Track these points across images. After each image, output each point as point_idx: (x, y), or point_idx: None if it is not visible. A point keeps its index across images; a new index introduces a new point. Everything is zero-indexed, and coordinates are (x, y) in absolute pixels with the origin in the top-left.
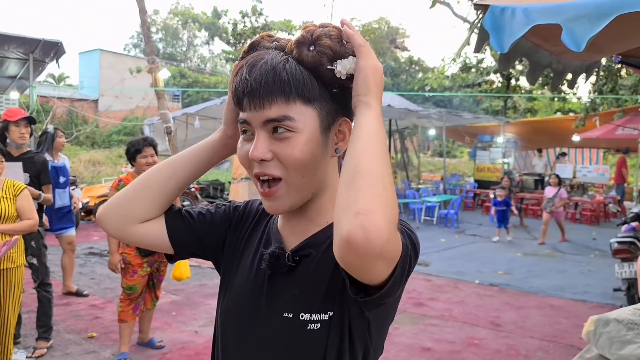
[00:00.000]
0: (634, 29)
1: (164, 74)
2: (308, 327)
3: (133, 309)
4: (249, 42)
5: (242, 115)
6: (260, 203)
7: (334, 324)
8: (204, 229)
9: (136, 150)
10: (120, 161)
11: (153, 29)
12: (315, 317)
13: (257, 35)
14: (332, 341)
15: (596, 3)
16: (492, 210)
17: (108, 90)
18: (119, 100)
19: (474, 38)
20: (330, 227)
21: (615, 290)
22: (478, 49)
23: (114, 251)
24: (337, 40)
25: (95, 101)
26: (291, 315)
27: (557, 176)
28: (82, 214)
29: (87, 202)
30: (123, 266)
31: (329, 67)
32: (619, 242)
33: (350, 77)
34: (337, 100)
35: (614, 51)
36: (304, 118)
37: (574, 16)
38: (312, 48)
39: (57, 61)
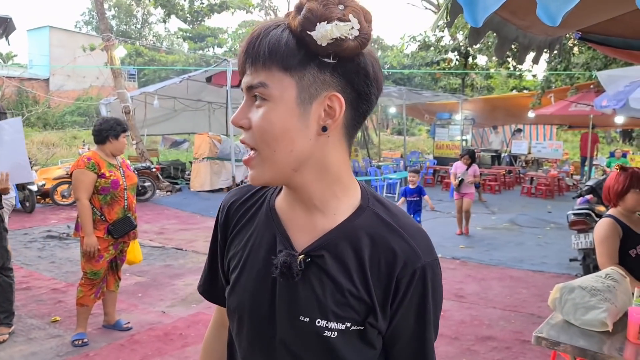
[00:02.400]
0: (597, 5)
1: (120, 51)
2: (324, 334)
3: (95, 293)
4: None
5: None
6: (251, 197)
7: (354, 335)
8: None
9: (114, 135)
10: (75, 142)
11: (105, 6)
12: (332, 325)
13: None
14: (351, 353)
15: None
16: (401, 200)
17: (59, 69)
18: (71, 79)
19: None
20: (342, 227)
21: (571, 260)
22: (450, 23)
23: (90, 232)
24: (325, 2)
25: (46, 80)
26: (307, 320)
27: (472, 153)
28: (38, 197)
29: (43, 185)
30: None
31: (308, 32)
32: (575, 214)
33: (340, 44)
34: (329, 71)
35: (578, 26)
36: (280, 87)
37: None
38: (302, 12)
39: (7, 38)
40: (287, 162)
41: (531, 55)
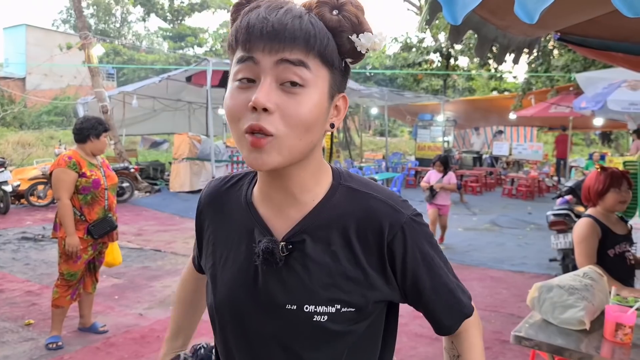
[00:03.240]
0: (575, 5)
1: (98, 50)
2: (314, 319)
3: (71, 294)
4: None
5: (246, 54)
6: (227, 191)
7: (344, 317)
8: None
9: (96, 134)
10: (52, 142)
11: (84, 4)
12: (320, 309)
13: None
14: (345, 335)
15: None
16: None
17: (36, 67)
18: (48, 78)
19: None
20: (319, 208)
21: (551, 260)
22: (430, 21)
23: (72, 232)
24: (362, 11)
25: (23, 79)
26: (295, 307)
27: (444, 160)
28: (13, 197)
29: (18, 185)
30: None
31: (350, 37)
32: (554, 215)
33: (364, 54)
34: (343, 73)
35: (556, 27)
36: (319, 75)
37: None
38: (335, 12)
39: None
40: (304, 152)
41: (511, 55)
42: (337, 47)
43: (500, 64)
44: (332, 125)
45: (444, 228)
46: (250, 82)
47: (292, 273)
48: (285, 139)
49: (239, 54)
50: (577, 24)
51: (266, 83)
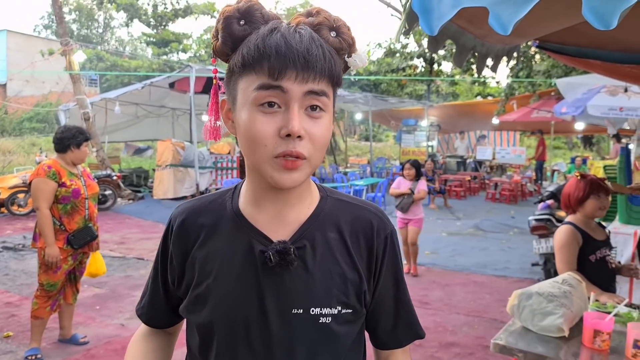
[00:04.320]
0: (553, 14)
1: (79, 56)
2: (320, 321)
3: (51, 305)
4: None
5: (274, 82)
6: (207, 208)
7: (344, 318)
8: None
9: (76, 143)
10: (33, 149)
11: (65, 9)
12: (325, 310)
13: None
14: (344, 336)
15: None
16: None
17: (17, 74)
18: (30, 84)
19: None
20: (315, 215)
21: (533, 265)
22: (408, 31)
23: (51, 242)
24: (351, 31)
25: (3, 86)
26: (301, 311)
27: (416, 164)
28: None
29: None
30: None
31: (347, 57)
32: (536, 220)
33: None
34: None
35: (534, 35)
36: (331, 100)
37: None
38: (333, 34)
39: None
40: (317, 167)
41: (490, 63)
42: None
43: (480, 72)
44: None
45: (415, 250)
46: (273, 107)
47: (295, 278)
48: (314, 160)
49: (262, 79)
50: (555, 32)
51: (296, 111)
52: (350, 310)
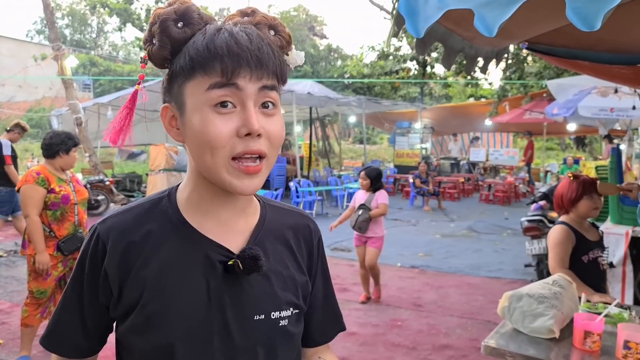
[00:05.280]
0: (540, 16)
1: (71, 61)
2: (280, 324)
3: (41, 313)
4: (183, 7)
5: (226, 80)
6: (141, 221)
7: (296, 319)
8: (95, 313)
9: (65, 149)
10: (25, 155)
11: (58, 14)
12: (283, 313)
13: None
14: (298, 335)
15: None
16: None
17: (9, 79)
18: (22, 90)
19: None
20: (261, 223)
21: (526, 266)
22: (396, 34)
23: (42, 249)
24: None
25: None
26: (263, 316)
27: (371, 173)
28: None
29: None
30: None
31: (286, 54)
32: (528, 221)
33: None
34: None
35: (522, 37)
36: (278, 94)
37: (484, 1)
38: (272, 32)
39: None
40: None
41: (480, 64)
42: None
43: (469, 73)
44: None
45: (375, 273)
46: (227, 107)
47: (254, 284)
48: (271, 159)
49: (215, 79)
50: (544, 34)
51: (252, 108)
52: (298, 311)
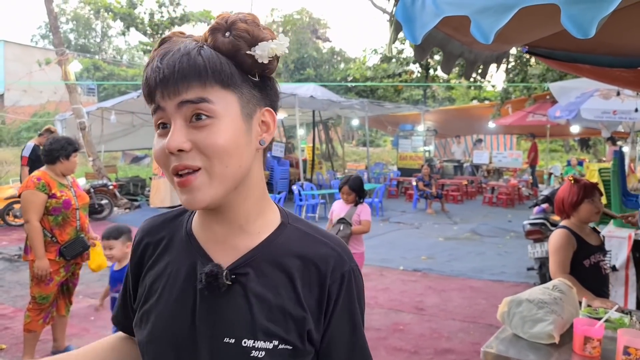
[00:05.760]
0: (538, 21)
1: (75, 66)
2: (252, 355)
3: (43, 318)
4: (160, 38)
5: (153, 104)
6: (157, 222)
7: (281, 354)
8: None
9: (65, 155)
10: None
11: (63, 19)
12: (259, 344)
13: (169, 32)
14: None
15: None
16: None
17: (15, 84)
18: (27, 94)
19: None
20: (267, 243)
21: (529, 269)
22: (394, 40)
23: (41, 255)
24: (254, 24)
25: (1, 96)
26: (233, 340)
27: (354, 184)
28: None
29: None
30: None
31: (247, 52)
32: (530, 224)
33: (272, 62)
34: (258, 88)
35: (521, 42)
36: (224, 102)
37: (481, 8)
38: (227, 34)
39: None
40: (236, 178)
41: (480, 69)
42: (240, 65)
43: (468, 78)
44: (262, 142)
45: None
46: (165, 128)
47: (232, 305)
48: (212, 169)
49: (151, 105)
50: (544, 37)
51: (175, 127)
52: (289, 347)
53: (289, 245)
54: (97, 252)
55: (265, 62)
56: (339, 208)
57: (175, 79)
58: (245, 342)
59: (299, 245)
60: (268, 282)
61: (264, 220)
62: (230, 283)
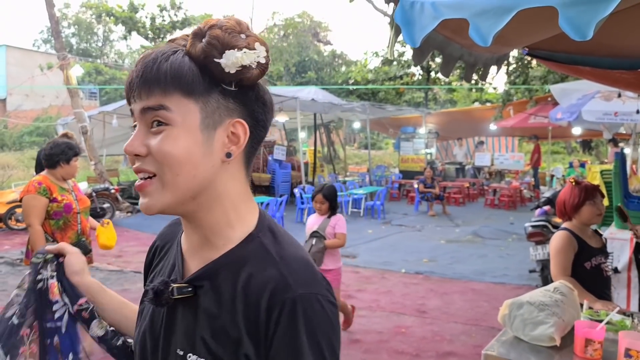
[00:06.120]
0: (537, 23)
1: (76, 70)
2: None
3: None
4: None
5: (130, 107)
6: (169, 227)
7: None
8: None
9: (66, 159)
10: (33, 164)
11: (65, 24)
12: None
13: (174, 35)
14: None
15: None
16: None
17: (17, 88)
18: (29, 99)
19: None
20: (227, 256)
21: (531, 271)
22: (393, 43)
23: None
24: (229, 30)
25: (3, 100)
26: (182, 353)
27: (328, 193)
28: None
29: None
30: None
31: (215, 60)
32: (532, 226)
33: (246, 72)
34: (232, 98)
35: (520, 44)
36: (183, 111)
37: (479, 11)
38: (203, 40)
39: None
40: (189, 188)
41: (480, 71)
42: (211, 73)
43: (468, 81)
44: (229, 155)
45: (342, 311)
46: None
47: (184, 318)
48: (163, 176)
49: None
50: (544, 39)
51: (137, 130)
52: None
53: (245, 261)
54: (107, 228)
55: (232, 71)
56: (312, 222)
57: (140, 85)
58: (190, 357)
59: (253, 263)
60: (219, 297)
61: (233, 232)
62: (177, 298)
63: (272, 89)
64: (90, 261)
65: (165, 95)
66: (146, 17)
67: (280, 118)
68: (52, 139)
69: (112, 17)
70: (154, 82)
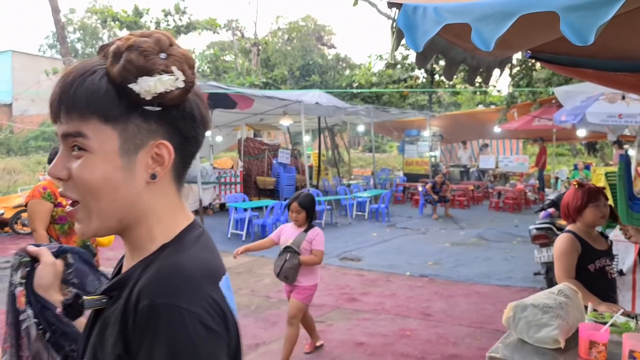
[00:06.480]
0: (539, 27)
1: None
2: None
3: None
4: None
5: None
6: None
7: None
8: None
9: None
10: (38, 168)
11: (70, 29)
12: None
13: (115, 37)
14: None
15: (501, 2)
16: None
17: (23, 93)
18: (35, 104)
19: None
20: (137, 265)
21: (535, 274)
22: (396, 47)
23: None
24: (146, 53)
25: (9, 105)
26: None
27: (305, 202)
28: None
29: (2, 213)
30: None
31: (129, 85)
32: (537, 229)
33: (167, 94)
34: (154, 120)
35: (523, 47)
36: (101, 138)
37: (481, 15)
38: (121, 60)
39: None
40: (112, 212)
41: (483, 74)
42: (128, 96)
43: (472, 84)
44: (154, 176)
45: (308, 327)
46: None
47: (96, 328)
48: (87, 203)
49: None
50: (546, 42)
51: (60, 153)
52: None
53: (139, 275)
54: None
55: (148, 98)
56: (288, 232)
57: (58, 108)
58: None
59: (146, 270)
60: (116, 306)
61: (152, 244)
62: (83, 309)
63: (277, 93)
64: (97, 265)
65: (83, 121)
66: (151, 22)
67: (284, 122)
68: (57, 143)
69: (117, 22)
70: (71, 107)
